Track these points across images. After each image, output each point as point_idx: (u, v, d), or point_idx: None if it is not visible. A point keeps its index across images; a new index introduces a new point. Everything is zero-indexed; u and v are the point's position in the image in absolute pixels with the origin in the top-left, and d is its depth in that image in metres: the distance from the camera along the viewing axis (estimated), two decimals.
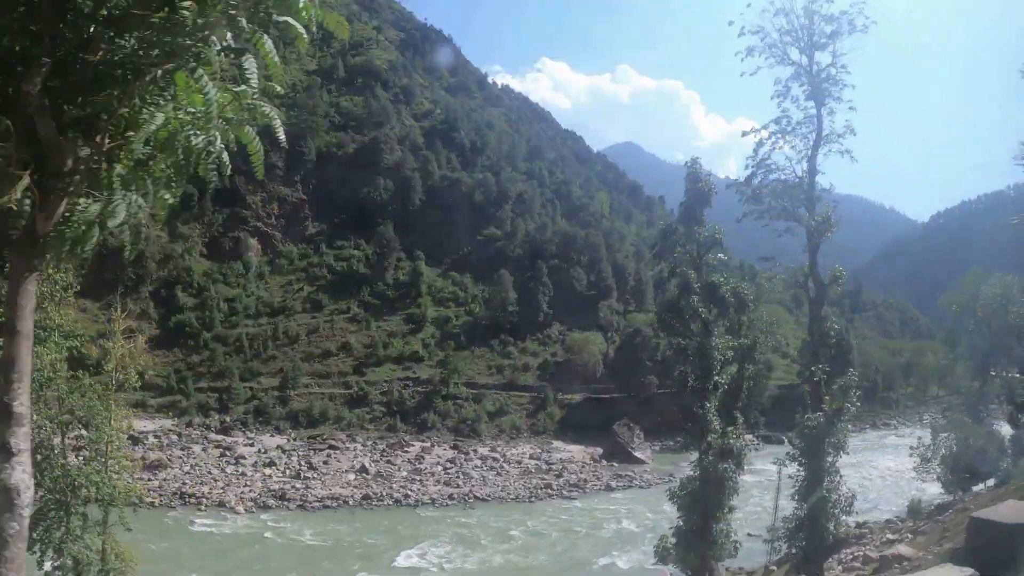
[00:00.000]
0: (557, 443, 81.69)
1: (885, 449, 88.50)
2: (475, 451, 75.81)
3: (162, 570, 43.57)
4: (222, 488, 59.22)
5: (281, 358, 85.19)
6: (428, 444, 76.76)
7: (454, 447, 76.41)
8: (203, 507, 55.32)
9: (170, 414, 77.90)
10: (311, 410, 78.14)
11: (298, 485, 60.71)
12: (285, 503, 56.42)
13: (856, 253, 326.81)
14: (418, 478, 64.94)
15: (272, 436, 75.84)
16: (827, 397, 20.02)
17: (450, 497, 59.90)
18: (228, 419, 77.06)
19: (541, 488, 62.91)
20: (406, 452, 73.66)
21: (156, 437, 72.47)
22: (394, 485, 62.27)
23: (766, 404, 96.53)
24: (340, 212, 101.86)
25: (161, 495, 57.09)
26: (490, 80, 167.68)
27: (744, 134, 21.50)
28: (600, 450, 78.72)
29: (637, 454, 75.59)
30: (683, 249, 21.15)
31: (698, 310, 19.83)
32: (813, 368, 21.39)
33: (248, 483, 60.80)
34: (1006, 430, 62.51)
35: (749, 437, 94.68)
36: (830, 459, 20.15)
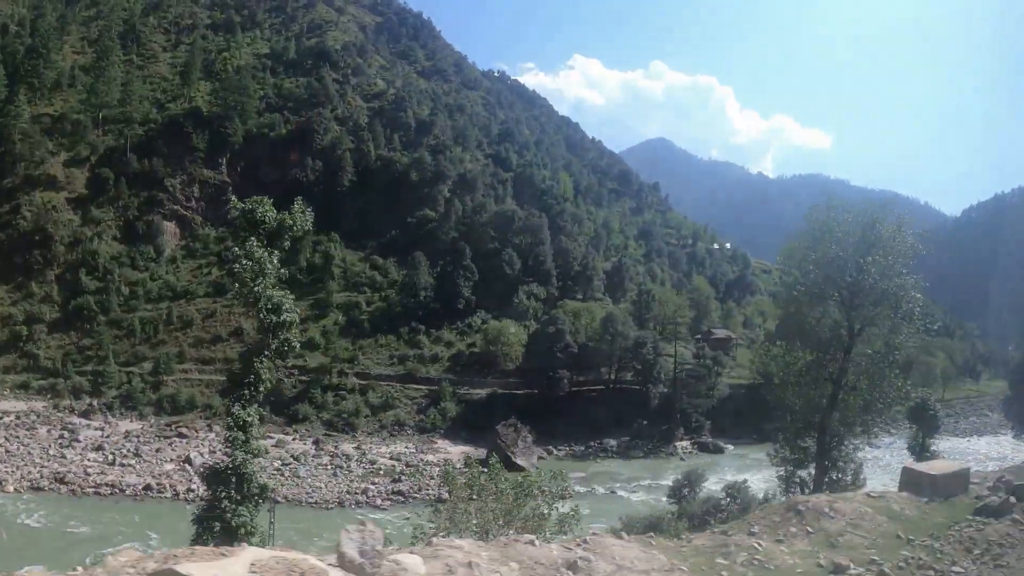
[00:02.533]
0: (442, 443, 73.06)
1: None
2: (335, 447, 68.62)
3: None
4: (14, 468, 55.83)
5: (171, 343, 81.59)
6: (290, 437, 70.34)
7: (316, 442, 69.49)
8: None
9: (48, 396, 76.01)
10: (178, 396, 73.73)
11: (92, 470, 56.31)
12: (57, 487, 52.42)
13: None
14: None
15: (132, 421, 72.16)
16: None
17: None
18: (96, 402, 74.15)
19: (358, 494, 54.89)
20: None
21: (17, 417, 70.76)
22: (192, 479, 56.34)
23: (705, 406, 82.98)
24: (267, 194, 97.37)
25: None
26: (493, 67, 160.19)
27: None
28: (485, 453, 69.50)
29: (518, 461, 65.34)
30: None
31: None
32: None
33: (45, 464, 57.26)
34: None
35: (684, 444, 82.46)
36: None
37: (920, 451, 43.95)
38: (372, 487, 56.36)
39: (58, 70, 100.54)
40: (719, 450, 77.63)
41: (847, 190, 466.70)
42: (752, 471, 68.35)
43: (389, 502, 53.66)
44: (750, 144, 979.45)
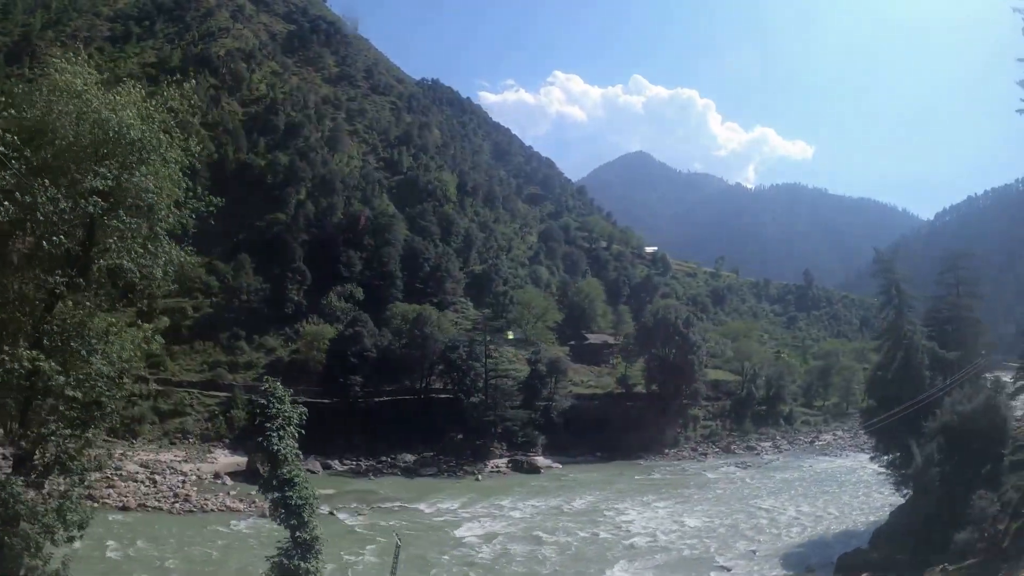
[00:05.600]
0: (219, 452, 69.61)
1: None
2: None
3: None
4: None
5: None
6: None
7: None
8: None
9: None
10: None
11: None
12: None
13: (861, 254, 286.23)
14: None
15: None
16: None
17: None
18: None
19: None
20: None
21: None
22: None
23: (540, 419, 75.40)
24: None
25: None
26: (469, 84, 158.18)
27: None
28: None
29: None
30: None
31: None
32: None
33: None
34: None
35: (501, 462, 74.91)
36: None
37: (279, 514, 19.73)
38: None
39: None
40: (534, 470, 70.49)
41: (825, 198, 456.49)
42: (527, 500, 60.31)
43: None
44: (732, 157, 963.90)
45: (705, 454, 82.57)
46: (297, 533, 19.07)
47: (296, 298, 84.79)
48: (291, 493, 18.95)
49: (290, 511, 18.94)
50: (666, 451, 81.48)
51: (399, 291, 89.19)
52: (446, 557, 44.69)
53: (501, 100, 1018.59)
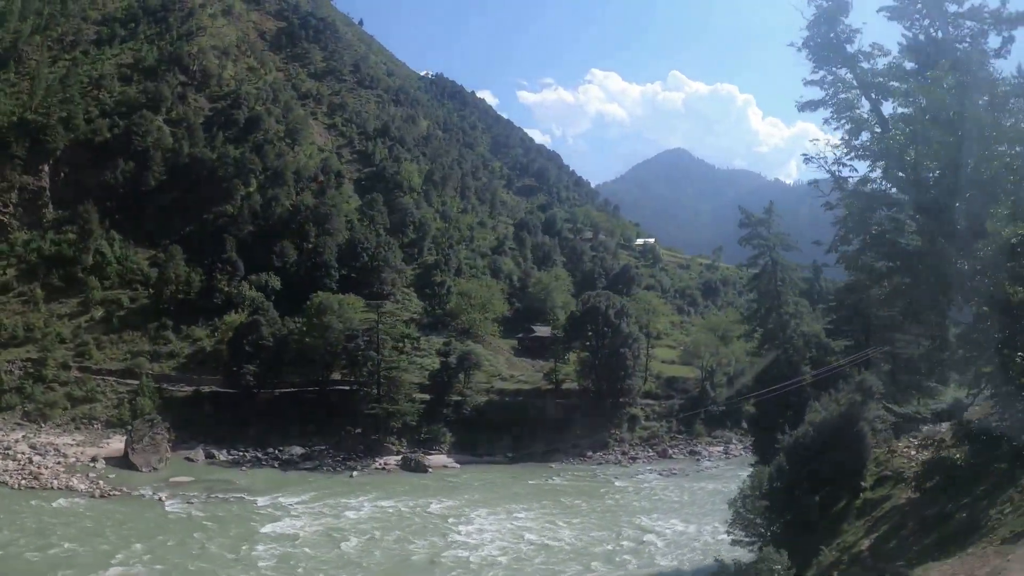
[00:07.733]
0: (116, 438, 69.51)
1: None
2: (3, 437, 67.41)
3: None
4: None
5: None
6: None
7: None
8: None
9: None
10: None
11: None
12: None
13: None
14: None
15: None
16: None
17: None
18: None
19: None
20: None
21: None
22: None
23: (456, 416, 71.44)
24: (84, 197, 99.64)
25: None
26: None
27: None
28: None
29: (133, 458, 60.93)
30: None
31: None
32: None
33: None
34: None
35: (394, 459, 71.29)
36: None
37: None
38: None
39: None
40: (421, 469, 66.08)
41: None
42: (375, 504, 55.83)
43: None
44: (775, 152, 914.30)
45: (634, 458, 75.20)
46: None
47: (226, 288, 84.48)
48: None
49: None
50: (588, 454, 74.84)
51: (334, 281, 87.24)
52: (227, 552, 41.93)
53: (540, 99, 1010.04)
